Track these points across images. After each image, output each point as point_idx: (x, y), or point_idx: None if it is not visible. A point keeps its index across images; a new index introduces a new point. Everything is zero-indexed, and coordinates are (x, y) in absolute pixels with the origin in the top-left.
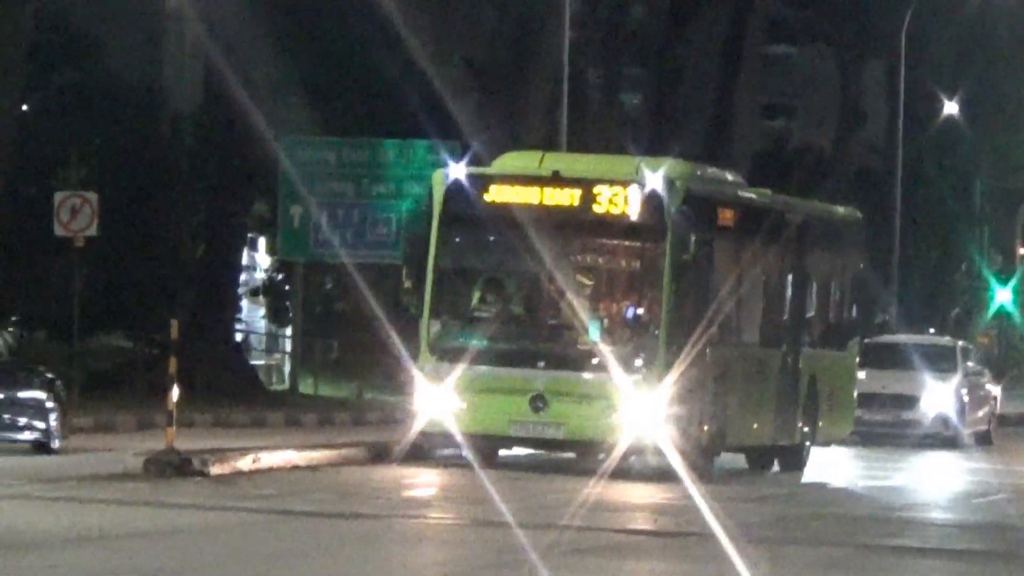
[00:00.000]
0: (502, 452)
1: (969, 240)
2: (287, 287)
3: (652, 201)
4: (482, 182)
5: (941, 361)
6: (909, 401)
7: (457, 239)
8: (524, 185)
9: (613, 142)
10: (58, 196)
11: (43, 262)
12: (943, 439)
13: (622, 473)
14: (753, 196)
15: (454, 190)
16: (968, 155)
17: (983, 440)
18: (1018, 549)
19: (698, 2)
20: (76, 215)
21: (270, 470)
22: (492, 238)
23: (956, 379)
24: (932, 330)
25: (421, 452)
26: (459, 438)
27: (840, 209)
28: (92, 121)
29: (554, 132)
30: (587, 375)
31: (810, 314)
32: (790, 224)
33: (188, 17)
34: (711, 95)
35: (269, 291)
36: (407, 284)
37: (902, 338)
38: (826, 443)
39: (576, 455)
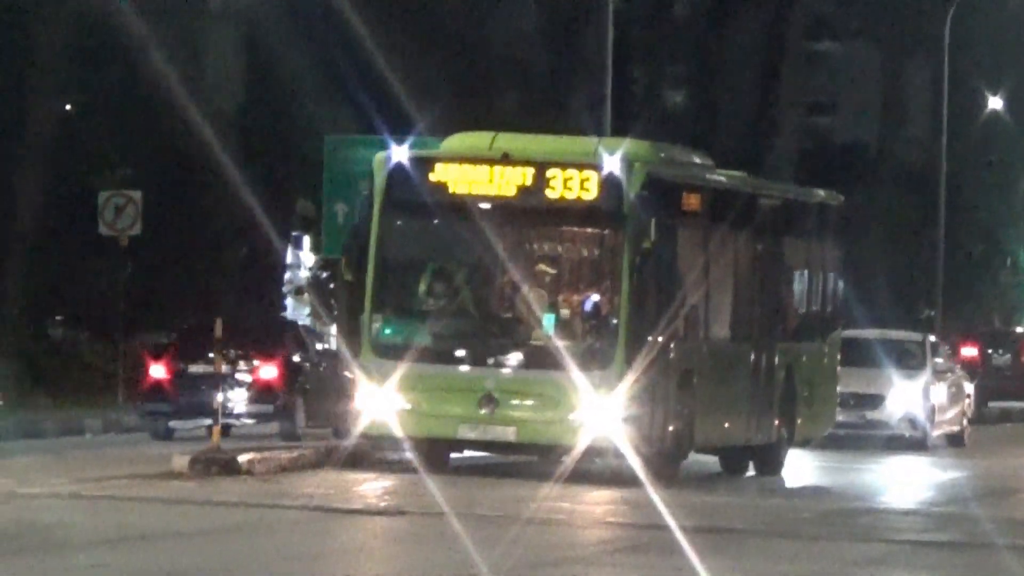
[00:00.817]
0: (453, 455)
1: (1014, 236)
2: (331, 285)
3: (610, 184)
4: (426, 165)
5: (909, 358)
6: (873, 400)
7: (400, 227)
8: (471, 168)
9: (657, 140)
10: (102, 195)
11: (87, 261)
12: (910, 441)
13: (579, 477)
14: (721, 179)
15: (397, 174)
16: (1013, 150)
17: (955, 441)
18: None
19: None
20: (120, 214)
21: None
22: (438, 226)
23: (924, 377)
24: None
25: (363, 456)
26: (404, 441)
27: (820, 192)
28: (135, 120)
29: (599, 130)
30: (540, 373)
31: (786, 305)
32: (763, 209)
33: (230, 15)
34: (754, 92)
35: (313, 289)
36: (347, 277)
37: (867, 333)
38: (805, 442)
39: (535, 457)
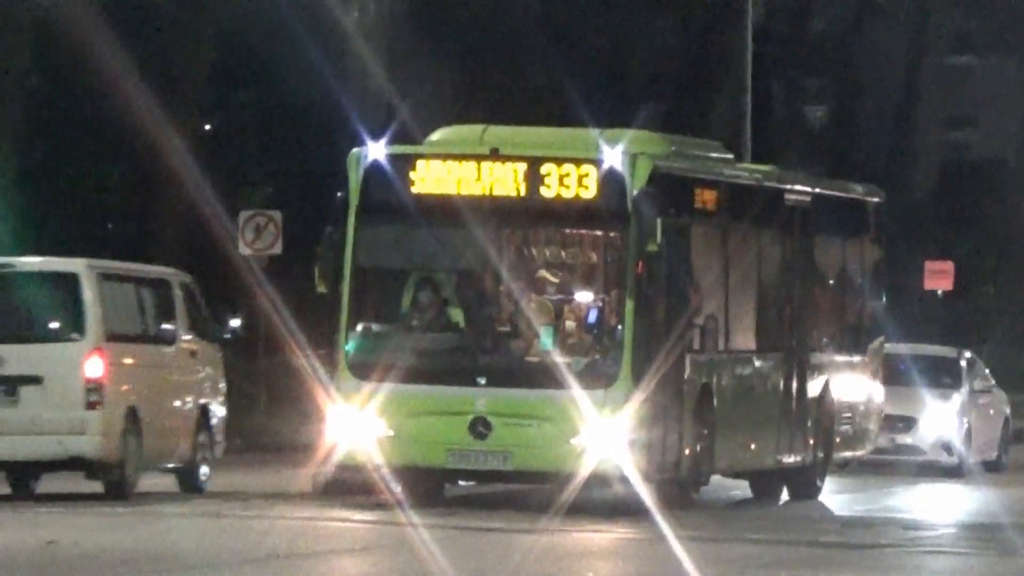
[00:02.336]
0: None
1: None
2: None
3: (611, 180)
4: (407, 162)
5: (943, 375)
6: (905, 423)
7: (379, 232)
8: (457, 165)
9: (797, 154)
10: (243, 215)
11: (228, 280)
12: (944, 467)
13: (582, 509)
14: (742, 173)
15: (374, 173)
16: None
17: (993, 468)
18: None
19: (879, 13)
20: (260, 234)
21: None
22: (420, 230)
23: (960, 397)
24: None
25: (341, 487)
26: (386, 472)
27: (858, 187)
28: (274, 140)
29: (739, 145)
30: (538, 392)
31: (819, 313)
32: (791, 206)
33: (369, 34)
34: (893, 106)
35: None
36: (320, 288)
37: (898, 348)
38: (844, 464)
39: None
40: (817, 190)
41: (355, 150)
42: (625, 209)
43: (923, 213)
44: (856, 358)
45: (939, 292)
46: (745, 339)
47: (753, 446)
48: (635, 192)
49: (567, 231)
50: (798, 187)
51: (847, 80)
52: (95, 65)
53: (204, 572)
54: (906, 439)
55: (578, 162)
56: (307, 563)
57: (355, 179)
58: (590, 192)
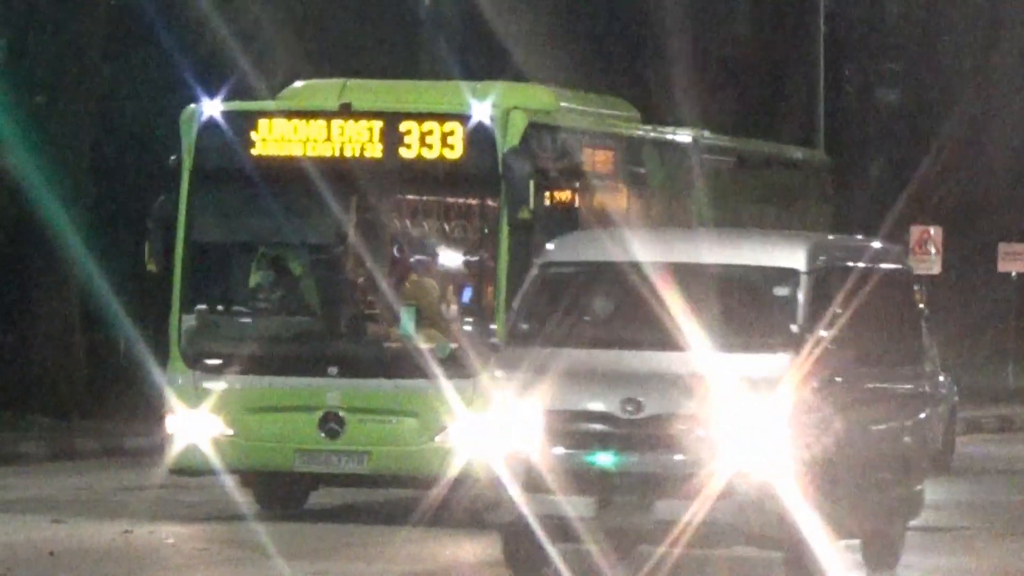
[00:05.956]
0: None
1: None
2: None
3: (479, 139)
4: (246, 121)
5: None
6: None
7: (216, 201)
8: (303, 123)
9: (870, 139)
10: None
11: None
12: None
13: (451, 517)
14: (644, 133)
15: (209, 133)
16: None
17: (936, 466)
18: None
19: None
20: None
21: None
22: (264, 199)
23: None
24: None
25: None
26: (228, 477)
27: (798, 152)
28: None
29: (811, 129)
30: (398, 383)
31: None
32: (717, 168)
33: (445, 21)
34: (969, 89)
35: None
36: (150, 267)
37: None
38: None
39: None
40: (745, 152)
41: (188, 107)
42: (497, 172)
43: (1000, 196)
44: None
45: (1013, 274)
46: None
47: None
48: (505, 151)
49: (430, 197)
50: (725, 146)
51: (923, 63)
52: None
53: None
54: None
55: (441, 118)
56: None
57: (188, 141)
58: (455, 152)
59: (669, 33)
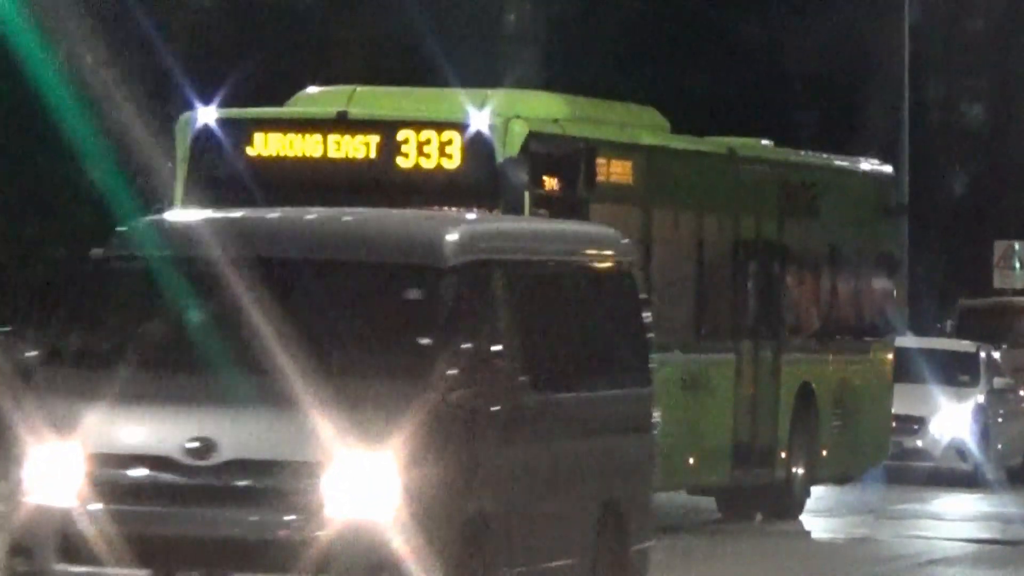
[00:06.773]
0: None
1: None
2: None
3: (476, 149)
4: (242, 129)
5: (958, 372)
6: (913, 423)
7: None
8: (300, 133)
9: (956, 155)
10: None
11: None
12: (958, 475)
13: None
14: (666, 143)
15: (205, 141)
16: None
17: (1016, 477)
18: None
19: None
20: None
21: None
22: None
23: (978, 395)
24: None
25: None
26: None
27: (855, 164)
28: None
29: (895, 145)
30: None
31: (795, 306)
32: (753, 181)
33: (526, 38)
34: None
35: None
36: None
37: (907, 342)
38: (843, 478)
39: None
40: (789, 163)
41: (184, 115)
42: (494, 183)
43: None
44: (857, 356)
45: None
46: (669, 335)
47: (691, 460)
48: (503, 161)
49: (433, 208)
50: (762, 158)
51: (1007, 79)
52: None
53: None
54: (914, 443)
55: (439, 127)
56: None
57: (183, 147)
58: (453, 162)
59: (751, 49)
